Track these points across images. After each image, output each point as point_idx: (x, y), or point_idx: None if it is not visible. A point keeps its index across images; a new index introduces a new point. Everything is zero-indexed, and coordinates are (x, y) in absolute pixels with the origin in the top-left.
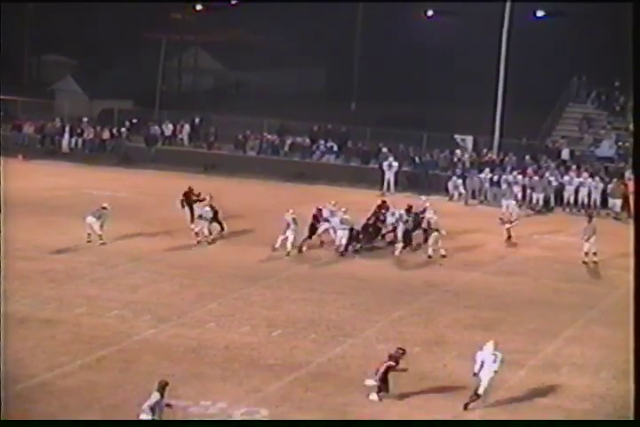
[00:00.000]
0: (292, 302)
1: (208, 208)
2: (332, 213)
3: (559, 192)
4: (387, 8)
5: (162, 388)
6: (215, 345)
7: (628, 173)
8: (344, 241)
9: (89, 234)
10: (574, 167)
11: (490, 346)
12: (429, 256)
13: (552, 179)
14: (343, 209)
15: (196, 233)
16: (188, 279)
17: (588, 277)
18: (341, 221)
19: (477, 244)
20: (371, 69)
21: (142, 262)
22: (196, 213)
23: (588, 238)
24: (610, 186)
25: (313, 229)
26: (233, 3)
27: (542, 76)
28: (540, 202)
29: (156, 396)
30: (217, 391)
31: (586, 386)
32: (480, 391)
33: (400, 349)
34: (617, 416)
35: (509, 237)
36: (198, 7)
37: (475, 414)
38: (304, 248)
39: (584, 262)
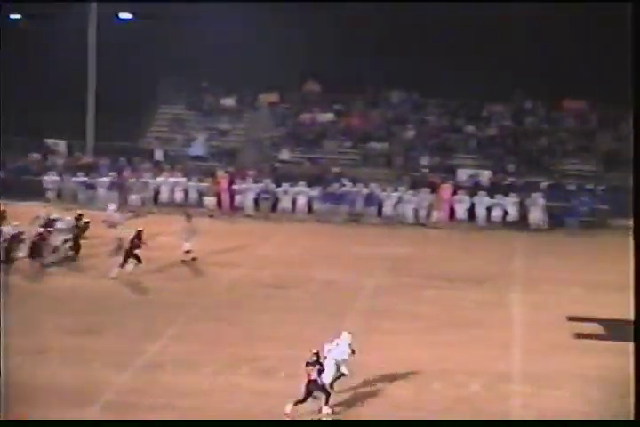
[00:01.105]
0: None
1: None
2: None
3: (156, 193)
4: None
5: None
6: None
7: (221, 172)
8: None
9: None
10: (168, 167)
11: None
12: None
13: (148, 180)
14: None
15: None
16: None
17: (188, 275)
18: None
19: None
20: None
21: None
22: None
23: (187, 237)
24: (204, 184)
25: None
26: None
27: (133, 78)
28: (139, 203)
29: None
30: None
31: (189, 382)
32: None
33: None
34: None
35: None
36: None
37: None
38: None
39: (183, 261)
